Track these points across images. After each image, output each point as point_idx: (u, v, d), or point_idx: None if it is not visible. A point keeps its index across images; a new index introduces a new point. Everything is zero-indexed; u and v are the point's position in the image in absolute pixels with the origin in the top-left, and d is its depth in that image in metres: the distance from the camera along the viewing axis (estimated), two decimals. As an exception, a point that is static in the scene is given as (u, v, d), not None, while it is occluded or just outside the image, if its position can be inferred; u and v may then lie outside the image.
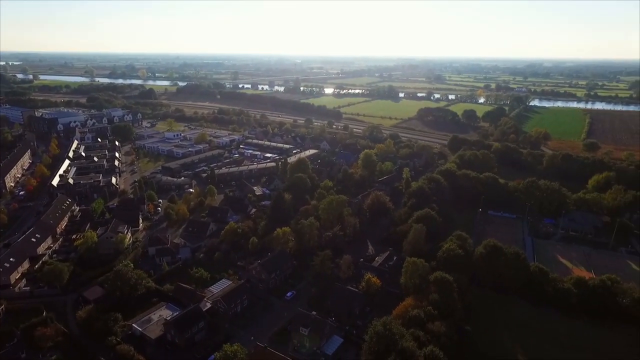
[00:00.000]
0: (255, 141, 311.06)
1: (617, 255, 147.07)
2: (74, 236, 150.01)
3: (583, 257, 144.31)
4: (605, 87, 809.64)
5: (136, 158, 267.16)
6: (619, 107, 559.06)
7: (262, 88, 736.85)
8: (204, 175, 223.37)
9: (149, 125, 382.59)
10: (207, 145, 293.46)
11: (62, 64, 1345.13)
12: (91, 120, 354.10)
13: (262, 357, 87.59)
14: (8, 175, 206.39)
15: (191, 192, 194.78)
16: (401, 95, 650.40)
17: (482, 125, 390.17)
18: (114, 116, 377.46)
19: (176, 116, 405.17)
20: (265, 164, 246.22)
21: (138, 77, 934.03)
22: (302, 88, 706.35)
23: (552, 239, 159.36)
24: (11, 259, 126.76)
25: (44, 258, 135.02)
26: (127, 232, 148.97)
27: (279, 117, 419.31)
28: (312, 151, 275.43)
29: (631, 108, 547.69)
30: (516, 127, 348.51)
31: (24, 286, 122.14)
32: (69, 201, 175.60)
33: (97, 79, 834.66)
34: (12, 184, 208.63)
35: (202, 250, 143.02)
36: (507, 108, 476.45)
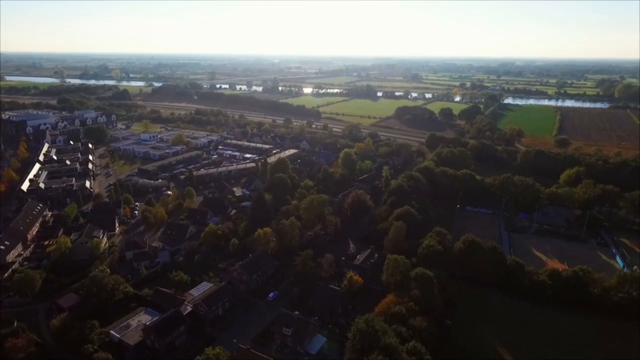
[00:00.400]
0: (234, 142, 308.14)
1: (588, 246, 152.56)
2: (46, 242, 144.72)
3: (556, 250, 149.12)
4: (574, 85, 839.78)
5: (111, 161, 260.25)
6: (587, 105, 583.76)
7: (240, 88, 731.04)
8: (182, 177, 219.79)
9: (124, 127, 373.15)
10: (185, 146, 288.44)
11: (30, 64, 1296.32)
12: (62, 122, 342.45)
13: (245, 358, 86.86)
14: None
15: (169, 195, 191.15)
16: (379, 94, 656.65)
17: (458, 123, 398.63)
18: (86, 118, 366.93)
19: (152, 117, 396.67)
20: (244, 165, 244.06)
21: (111, 78, 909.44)
22: (280, 88, 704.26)
23: (527, 233, 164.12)
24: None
25: (13, 266, 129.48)
26: (102, 237, 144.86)
27: (257, 117, 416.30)
28: (292, 151, 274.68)
29: (598, 105, 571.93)
30: (491, 124, 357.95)
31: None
32: (40, 206, 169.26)
33: (68, 80, 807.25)
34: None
35: (182, 253, 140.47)
36: (482, 106, 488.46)
